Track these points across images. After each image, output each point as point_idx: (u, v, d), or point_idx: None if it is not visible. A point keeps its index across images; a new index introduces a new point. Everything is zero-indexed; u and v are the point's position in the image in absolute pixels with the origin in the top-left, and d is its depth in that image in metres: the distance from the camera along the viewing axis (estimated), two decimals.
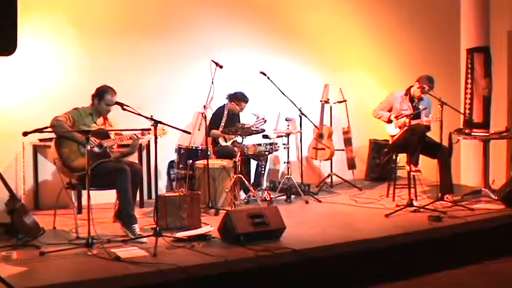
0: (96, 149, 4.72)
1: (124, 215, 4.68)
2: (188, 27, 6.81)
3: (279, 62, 7.25)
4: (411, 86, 6.25)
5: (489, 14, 7.79)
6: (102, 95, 4.88)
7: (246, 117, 6.60)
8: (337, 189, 7.08)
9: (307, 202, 6.24)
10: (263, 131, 6.17)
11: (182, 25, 6.78)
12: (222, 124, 6.46)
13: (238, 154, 5.92)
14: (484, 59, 7.64)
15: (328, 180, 7.29)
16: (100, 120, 4.97)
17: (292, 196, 6.35)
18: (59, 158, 4.72)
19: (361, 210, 5.86)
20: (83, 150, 4.64)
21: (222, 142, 6.49)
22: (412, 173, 5.83)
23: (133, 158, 6.22)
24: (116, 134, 4.98)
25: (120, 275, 3.74)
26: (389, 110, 6.29)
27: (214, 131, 6.44)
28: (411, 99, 6.24)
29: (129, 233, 4.60)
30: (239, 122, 6.51)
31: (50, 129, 4.66)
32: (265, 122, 6.24)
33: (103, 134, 4.85)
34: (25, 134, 4.41)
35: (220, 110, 6.57)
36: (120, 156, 5.02)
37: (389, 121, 6.24)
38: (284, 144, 6.45)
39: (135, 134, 4.89)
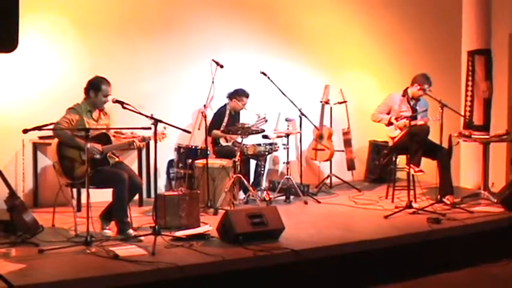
0: (97, 156, 4.68)
1: (118, 222, 4.66)
2: (189, 27, 6.81)
3: (279, 62, 7.25)
4: (408, 87, 6.25)
5: (491, 17, 7.77)
6: (99, 87, 4.73)
7: (247, 117, 6.59)
8: (336, 190, 7.08)
9: (306, 203, 6.24)
10: (263, 131, 6.17)
11: (183, 25, 6.78)
12: (224, 124, 6.43)
13: (238, 154, 5.92)
14: (485, 62, 7.63)
15: (328, 181, 7.28)
16: (96, 114, 4.84)
17: (292, 196, 6.35)
18: (59, 167, 4.67)
19: (360, 212, 5.85)
20: (84, 156, 4.57)
21: (222, 142, 6.48)
22: (416, 174, 5.82)
23: (133, 156, 6.26)
24: (115, 132, 4.96)
25: (118, 273, 3.74)
26: (388, 113, 6.29)
27: (215, 131, 6.42)
28: (409, 101, 6.25)
29: (125, 238, 4.57)
30: (239, 121, 6.49)
31: (50, 128, 4.61)
32: (266, 121, 6.23)
33: (104, 137, 4.78)
34: (25, 131, 4.40)
35: (222, 109, 6.55)
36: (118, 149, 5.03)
37: (390, 123, 6.22)
38: (284, 144, 6.43)
39: (134, 141, 4.85)
